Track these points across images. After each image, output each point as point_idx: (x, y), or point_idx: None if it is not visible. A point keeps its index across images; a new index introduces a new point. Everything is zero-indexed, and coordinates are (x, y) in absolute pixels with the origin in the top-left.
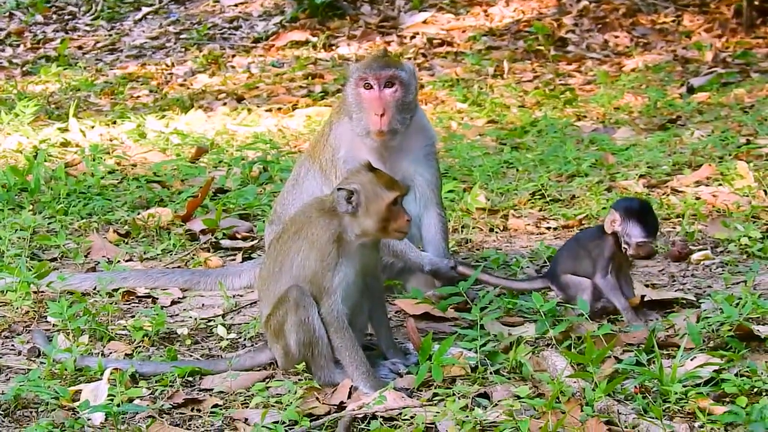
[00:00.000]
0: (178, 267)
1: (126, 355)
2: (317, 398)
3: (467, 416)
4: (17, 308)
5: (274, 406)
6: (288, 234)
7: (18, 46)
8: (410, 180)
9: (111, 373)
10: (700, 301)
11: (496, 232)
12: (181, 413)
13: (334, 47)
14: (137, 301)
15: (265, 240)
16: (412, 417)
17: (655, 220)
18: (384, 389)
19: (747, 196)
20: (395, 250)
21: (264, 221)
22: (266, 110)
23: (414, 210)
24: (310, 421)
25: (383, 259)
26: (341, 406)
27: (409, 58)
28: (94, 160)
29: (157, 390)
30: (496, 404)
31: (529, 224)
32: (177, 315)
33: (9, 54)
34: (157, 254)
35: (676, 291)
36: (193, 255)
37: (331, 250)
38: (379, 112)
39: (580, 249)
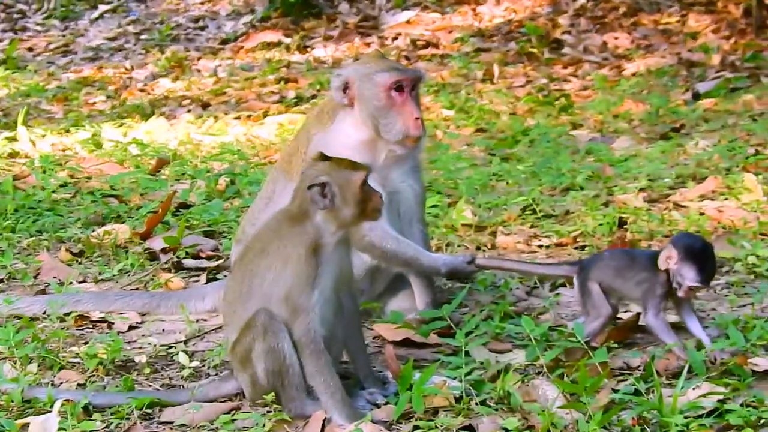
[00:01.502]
0: (137, 289)
1: (78, 385)
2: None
3: None
4: None
5: None
6: (253, 252)
7: None
8: (398, 193)
9: (62, 405)
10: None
11: (484, 251)
12: None
13: (309, 49)
14: (91, 327)
15: (231, 261)
16: None
17: (714, 265)
18: (360, 421)
19: (755, 211)
20: (406, 257)
21: (230, 239)
22: (234, 118)
23: (397, 226)
24: None
25: (391, 270)
26: None
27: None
28: (44, 172)
29: (112, 423)
30: None
31: (519, 242)
32: (135, 341)
33: None
34: (114, 275)
35: (676, 314)
36: (153, 276)
37: (309, 260)
38: (419, 115)
39: (630, 269)
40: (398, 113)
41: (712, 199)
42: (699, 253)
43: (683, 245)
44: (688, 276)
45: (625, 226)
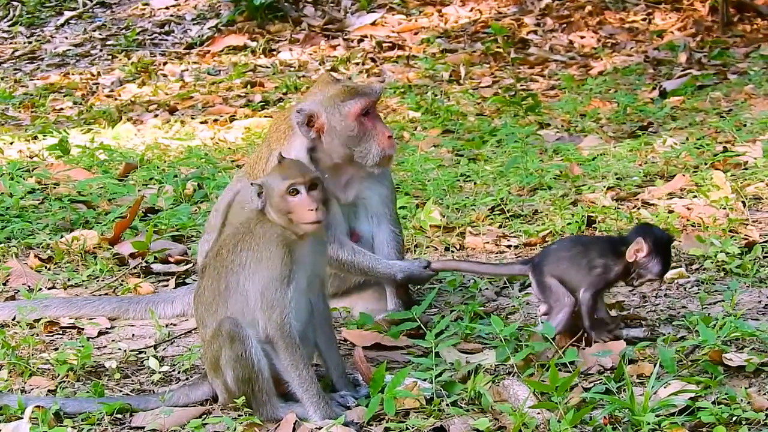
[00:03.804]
0: (106, 294)
1: (49, 391)
2: None
3: None
4: None
5: None
6: (227, 248)
7: None
8: (364, 197)
9: (33, 412)
10: (674, 323)
11: (453, 251)
12: None
13: (274, 52)
14: (61, 333)
15: (199, 254)
16: None
17: (671, 260)
18: (333, 424)
19: (724, 208)
20: (362, 267)
21: (198, 244)
22: (201, 122)
23: (367, 228)
24: None
25: (333, 279)
26: None
27: (357, 64)
28: (12, 178)
29: (83, 429)
30: None
31: (488, 242)
32: (104, 347)
33: None
34: (83, 281)
35: (647, 312)
36: (122, 281)
37: (282, 257)
38: (390, 132)
39: (583, 258)
40: (372, 137)
41: (681, 197)
42: (666, 248)
43: (653, 239)
44: (654, 270)
45: (593, 225)
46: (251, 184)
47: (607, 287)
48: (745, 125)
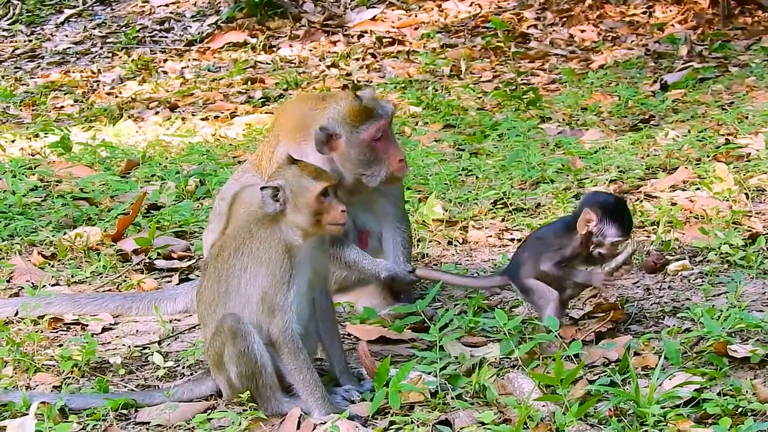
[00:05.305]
0: (109, 291)
1: (54, 387)
2: (264, 430)
3: None
4: None
5: None
6: (228, 251)
7: None
8: (371, 196)
9: (38, 408)
10: (678, 315)
11: (455, 245)
12: None
13: (275, 49)
14: (65, 329)
15: (204, 243)
16: None
17: (630, 217)
18: (338, 417)
19: (727, 200)
20: (347, 261)
21: (201, 239)
22: (202, 119)
23: (375, 226)
24: None
25: (337, 273)
26: None
27: (357, 59)
28: (15, 176)
29: (88, 425)
30: None
31: (490, 236)
32: (109, 343)
33: None
34: (86, 277)
35: (652, 305)
36: (125, 277)
37: (282, 261)
38: (403, 156)
39: (543, 248)
40: (382, 160)
41: (684, 189)
42: (616, 209)
43: (599, 205)
44: (610, 233)
45: None
46: (262, 188)
47: (566, 261)
48: (746, 117)
